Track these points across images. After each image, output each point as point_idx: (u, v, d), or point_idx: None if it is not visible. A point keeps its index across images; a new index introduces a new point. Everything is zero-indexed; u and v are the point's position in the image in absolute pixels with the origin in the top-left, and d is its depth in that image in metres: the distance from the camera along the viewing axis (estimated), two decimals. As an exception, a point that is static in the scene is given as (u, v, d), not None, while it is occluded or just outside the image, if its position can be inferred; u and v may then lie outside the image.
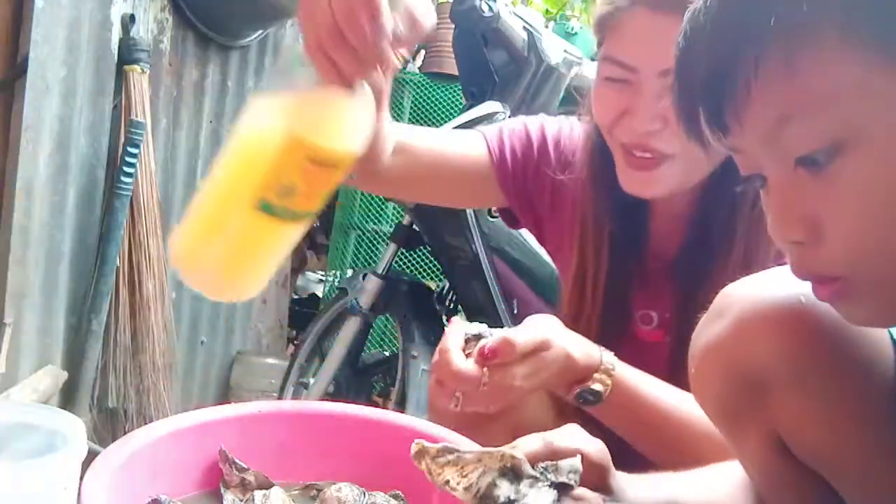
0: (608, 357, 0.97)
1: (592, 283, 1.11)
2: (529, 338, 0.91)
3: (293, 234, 0.77)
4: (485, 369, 0.90)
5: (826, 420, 0.65)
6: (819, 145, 0.55)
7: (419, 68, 3.24)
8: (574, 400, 0.97)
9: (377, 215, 3.01)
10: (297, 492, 0.91)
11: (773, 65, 0.55)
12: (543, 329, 0.94)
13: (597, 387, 0.95)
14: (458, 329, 0.95)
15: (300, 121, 0.71)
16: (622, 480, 0.75)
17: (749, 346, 0.67)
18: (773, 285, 0.68)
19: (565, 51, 1.93)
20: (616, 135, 1.03)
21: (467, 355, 0.91)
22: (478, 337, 0.92)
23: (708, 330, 0.70)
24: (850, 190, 0.56)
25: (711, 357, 0.70)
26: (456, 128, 1.84)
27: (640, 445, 0.98)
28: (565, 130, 1.21)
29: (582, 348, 0.96)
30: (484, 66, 1.95)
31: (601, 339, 1.01)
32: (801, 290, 0.65)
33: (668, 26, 0.94)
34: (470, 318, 2.06)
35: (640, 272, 1.12)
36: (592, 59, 1.90)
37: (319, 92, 0.75)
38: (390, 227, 2.79)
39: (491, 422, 0.98)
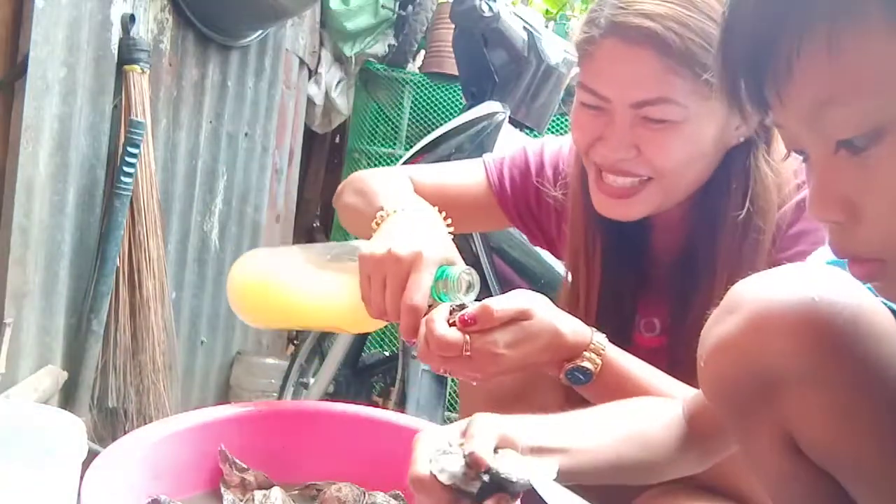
0: (599, 337, 0.98)
1: (585, 293, 1.12)
2: (508, 305, 0.93)
3: None
4: (466, 336, 0.92)
5: (839, 418, 0.65)
6: (859, 130, 0.55)
7: (419, 68, 3.24)
8: (564, 379, 0.98)
9: (377, 215, 3.00)
10: (297, 492, 0.91)
11: (817, 44, 0.55)
12: (525, 300, 0.95)
13: (587, 365, 0.96)
14: (444, 305, 0.97)
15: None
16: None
17: (762, 343, 0.66)
18: (786, 283, 0.67)
19: (565, 51, 1.93)
20: (591, 156, 1.05)
21: (451, 324, 0.93)
22: (461, 307, 0.95)
23: (719, 326, 0.70)
24: (889, 175, 0.56)
25: (722, 353, 0.70)
26: (456, 127, 1.84)
27: None
28: (565, 150, 1.23)
29: (571, 325, 0.96)
30: (484, 66, 1.95)
31: None
32: (814, 288, 0.65)
33: (639, 59, 0.96)
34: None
35: (640, 280, 1.13)
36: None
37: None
38: (390, 227, 2.78)
39: (512, 407, 0.99)
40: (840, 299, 0.64)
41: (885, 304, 0.66)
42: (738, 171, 1.02)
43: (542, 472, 0.71)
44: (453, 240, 1.05)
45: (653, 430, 0.84)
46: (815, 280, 0.66)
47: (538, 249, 1.73)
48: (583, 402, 0.97)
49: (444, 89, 3.03)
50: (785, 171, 1.03)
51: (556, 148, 1.24)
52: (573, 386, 0.98)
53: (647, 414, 0.86)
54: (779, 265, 0.96)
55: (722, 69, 0.62)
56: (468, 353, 0.91)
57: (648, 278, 1.13)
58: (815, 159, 0.60)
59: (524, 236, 1.34)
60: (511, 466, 0.70)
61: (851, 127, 0.56)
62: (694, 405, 0.85)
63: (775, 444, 0.69)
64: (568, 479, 0.74)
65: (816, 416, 0.65)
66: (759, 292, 0.68)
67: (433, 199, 1.16)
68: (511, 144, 1.89)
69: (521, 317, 0.93)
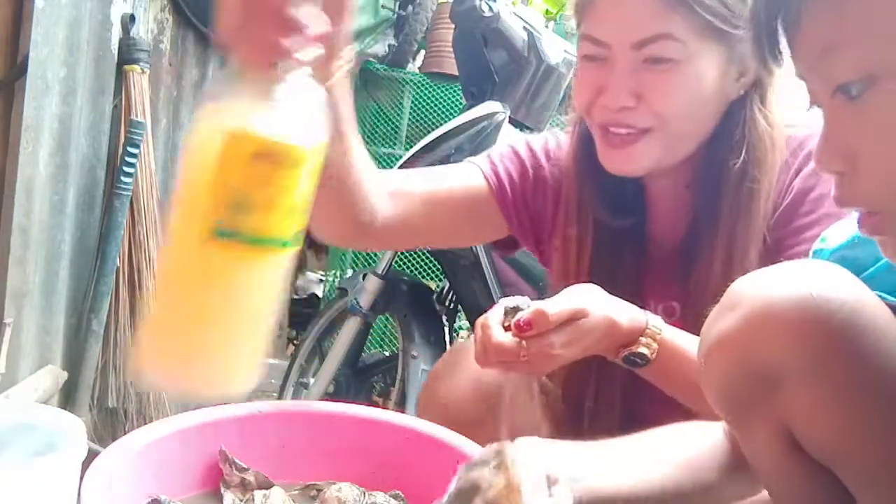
0: (654, 321, 0.99)
1: (575, 272, 1.12)
2: (563, 307, 0.94)
3: (270, 271, 0.65)
4: (522, 341, 0.93)
5: (838, 414, 0.65)
6: (855, 76, 0.57)
7: (419, 68, 3.24)
8: (622, 363, 0.99)
9: (377, 215, 3.00)
10: (297, 492, 0.91)
11: None
12: (579, 298, 0.96)
13: (643, 350, 0.97)
14: (499, 304, 0.98)
15: (230, 116, 0.63)
16: (578, 462, 0.75)
17: (761, 339, 0.67)
18: (785, 280, 0.68)
19: (565, 51, 1.93)
20: (593, 115, 1.05)
21: (506, 328, 0.95)
22: (516, 310, 0.95)
23: (718, 323, 0.71)
24: (882, 123, 0.57)
25: (722, 350, 0.70)
26: (456, 127, 1.84)
27: (690, 405, 0.99)
28: (551, 142, 1.23)
29: (626, 313, 0.98)
30: (484, 66, 1.95)
31: None
32: (812, 285, 0.65)
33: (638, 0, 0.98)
34: (470, 319, 2.07)
35: (642, 263, 1.13)
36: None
37: (247, 83, 0.66)
38: (390, 227, 2.79)
39: (481, 425, 1.01)
40: (838, 295, 0.65)
41: (882, 297, 0.66)
42: (737, 123, 1.03)
43: None
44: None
45: (703, 454, 0.83)
46: (813, 276, 0.67)
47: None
48: (569, 419, 0.97)
49: (444, 89, 3.03)
50: (777, 123, 1.04)
51: (541, 140, 1.24)
52: (631, 369, 1.00)
53: (693, 438, 0.85)
54: (807, 229, 0.98)
55: (751, 24, 0.65)
56: (525, 358, 0.93)
57: (651, 264, 1.13)
58: (823, 110, 0.61)
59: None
60: None
61: (847, 72, 0.58)
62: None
63: (774, 439, 0.69)
64: None
65: (815, 412, 0.66)
66: (758, 289, 0.69)
67: (425, 202, 1.14)
68: (509, 141, 1.90)
69: (576, 316, 0.94)
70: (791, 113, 1.06)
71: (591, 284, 1.00)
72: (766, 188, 1.03)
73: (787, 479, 0.70)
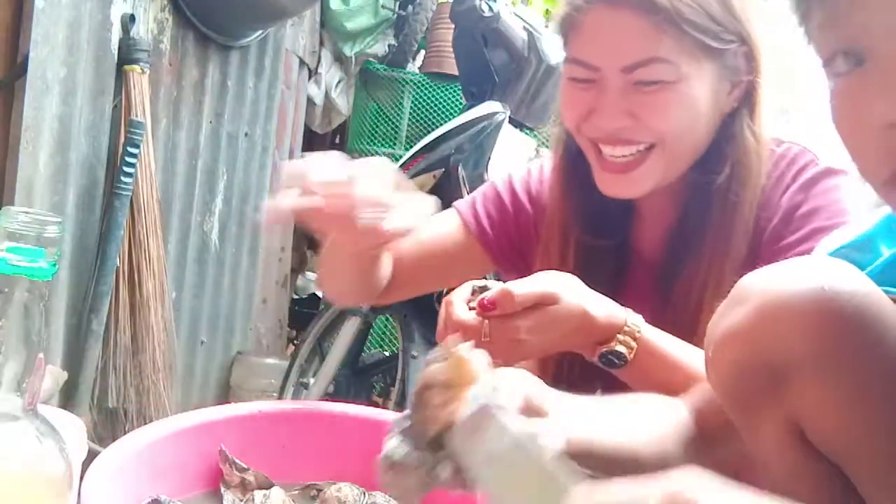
0: (634, 318, 0.94)
1: None
2: (531, 290, 0.89)
3: None
4: (485, 321, 0.89)
5: (848, 407, 0.64)
6: None
7: (419, 68, 3.24)
8: (598, 362, 0.95)
9: (377, 215, 3.00)
10: (297, 492, 0.91)
11: None
12: (551, 283, 0.91)
13: (620, 349, 0.93)
14: (466, 283, 0.95)
15: None
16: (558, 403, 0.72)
17: (771, 332, 0.66)
18: (794, 274, 0.67)
19: (565, 51, 1.93)
20: (584, 132, 1.02)
21: (471, 308, 0.91)
22: (483, 289, 0.92)
23: (727, 317, 0.70)
24: None
25: (731, 343, 0.69)
26: (456, 127, 1.84)
27: None
28: (534, 175, 1.21)
29: (603, 307, 0.93)
30: (484, 66, 1.95)
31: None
32: (822, 278, 0.65)
33: (627, 22, 0.95)
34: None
35: (623, 278, 1.10)
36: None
37: None
38: (390, 227, 2.79)
39: None
40: (848, 288, 0.64)
41: (887, 291, 0.66)
42: (726, 138, 1.02)
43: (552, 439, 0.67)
44: None
45: (666, 431, 0.82)
46: (822, 270, 0.66)
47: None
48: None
49: (444, 89, 3.03)
50: (764, 138, 1.03)
51: (523, 174, 1.22)
52: (607, 369, 0.95)
53: (661, 414, 0.84)
54: (794, 247, 0.96)
55: None
56: (487, 339, 0.88)
57: (632, 277, 1.11)
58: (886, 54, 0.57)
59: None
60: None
61: None
62: (698, 403, 0.85)
63: (783, 434, 0.68)
64: (580, 459, 0.72)
65: (825, 406, 0.65)
66: (767, 283, 0.68)
67: (414, 257, 1.16)
68: (512, 140, 1.90)
69: (546, 301, 0.89)
70: (778, 127, 1.05)
71: (566, 274, 0.95)
72: (749, 204, 1.01)
73: (795, 474, 0.70)
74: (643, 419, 0.82)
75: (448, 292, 0.95)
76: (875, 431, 0.65)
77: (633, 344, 0.93)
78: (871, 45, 0.58)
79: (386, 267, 1.14)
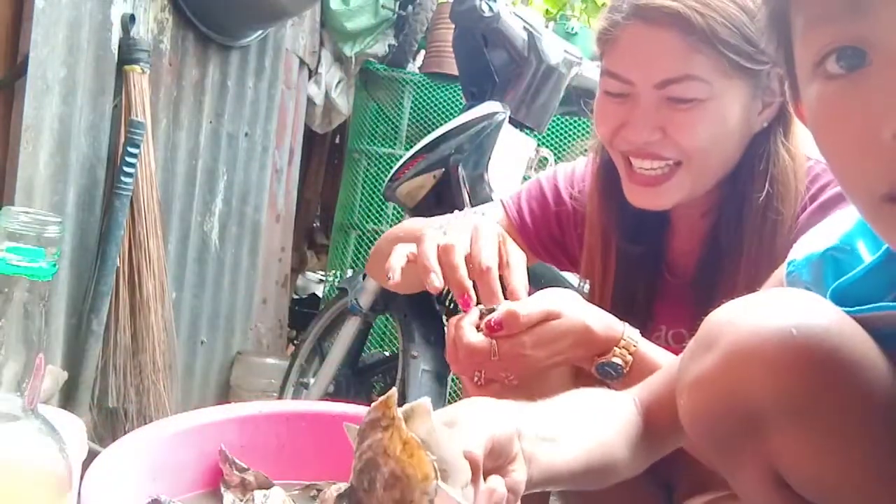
0: (631, 332, 0.98)
1: (599, 294, 1.13)
2: (535, 308, 0.94)
3: None
4: (493, 341, 0.93)
5: (825, 451, 0.62)
6: None
7: (419, 68, 3.24)
8: (596, 373, 0.98)
9: (377, 215, 3.01)
10: (297, 492, 0.91)
11: None
12: (552, 300, 0.96)
13: (616, 360, 0.96)
14: (473, 309, 0.98)
15: None
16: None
17: (741, 381, 0.64)
18: (763, 315, 0.65)
19: (565, 51, 1.93)
20: (616, 145, 1.05)
21: (479, 329, 0.95)
22: (490, 311, 0.95)
23: (695, 364, 0.68)
24: None
25: (701, 391, 0.67)
26: (456, 127, 1.84)
27: None
28: (579, 170, 1.24)
29: (602, 321, 0.97)
30: (484, 66, 1.95)
31: None
32: (791, 318, 0.62)
33: (663, 39, 0.98)
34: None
35: (657, 288, 1.13)
36: (592, 60, 1.90)
37: None
38: (390, 227, 2.79)
39: (511, 395, 0.99)
40: (819, 329, 0.62)
41: (868, 311, 0.64)
42: (760, 156, 1.03)
43: None
44: None
45: (614, 433, 0.81)
46: (792, 310, 0.64)
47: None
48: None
49: (444, 89, 3.03)
50: (799, 156, 1.04)
51: (568, 171, 1.25)
52: (605, 380, 0.98)
53: (608, 415, 0.82)
54: None
55: None
56: (496, 358, 0.93)
57: (667, 288, 1.13)
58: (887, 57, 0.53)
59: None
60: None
61: None
62: (648, 397, 0.84)
63: (763, 479, 0.66)
64: (541, 486, 0.71)
65: (801, 451, 0.63)
66: (734, 325, 0.66)
67: None
68: (512, 140, 1.90)
69: (548, 318, 0.94)
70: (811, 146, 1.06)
71: (567, 290, 1.00)
72: (790, 221, 1.02)
73: None
74: (592, 423, 0.80)
75: (450, 302, 0.97)
76: (855, 474, 0.63)
77: (629, 357, 0.96)
78: (878, 42, 0.53)
79: None
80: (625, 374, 0.96)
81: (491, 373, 0.95)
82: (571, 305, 0.96)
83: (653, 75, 0.99)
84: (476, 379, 0.96)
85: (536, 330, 0.93)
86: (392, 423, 0.57)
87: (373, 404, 0.59)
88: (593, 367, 0.98)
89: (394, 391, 0.59)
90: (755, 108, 1.02)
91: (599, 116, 1.07)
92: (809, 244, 0.75)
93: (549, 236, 1.24)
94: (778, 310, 0.64)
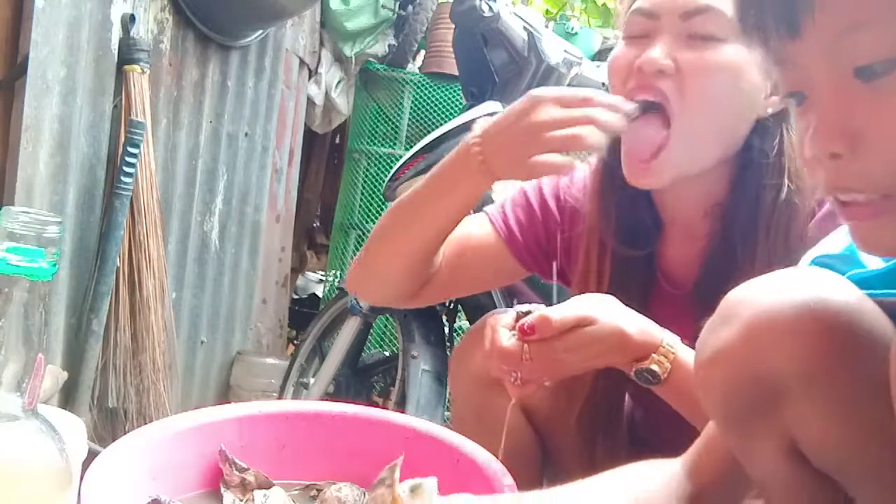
0: (670, 339, 0.98)
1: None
2: (568, 314, 0.94)
3: None
4: (525, 345, 0.94)
5: (841, 422, 0.64)
6: (881, 56, 0.54)
7: (419, 68, 3.24)
8: (635, 378, 0.99)
9: (377, 215, 3.00)
10: (297, 492, 0.91)
11: None
12: (588, 306, 0.97)
13: (654, 367, 0.97)
14: (511, 310, 0.99)
15: None
16: None
17: (760, 352, 0.66)
18: (781, 289, 0.66)
19: (565, 51, 1.93)
20: (627, 86, 1.03)
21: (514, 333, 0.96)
22: (526, 313, 0.96)
23: (715, 337, 0.69)
24: None
25: (720, 364, 0.69)
26: (456, 127, 1.84)
27: (700, 426, 0.98)
28: (563, 181, 1.23)
29: (640, 326, 0.97)
30: (484, 66, 1.95)
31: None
32: (809, 292, 0.64)
33: None
34: (470, 318, 2.07)
35: (652, 296, 1.12)
36: (592, 59, 1.90)
37: None
38: (390, 227, 2.78)
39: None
40: (836, 302, 0.64)
41: (881, 296, 0.65)
42: (772, 147, 1.02)
43: None
44: None
45: (653, 490, 0.81)
46: (810, 284, 0.66)
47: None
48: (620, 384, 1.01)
49: (444, 89, 3.03)
50: None
51: (552, 181, 1.24)
52: (643, 385, 0.99)
53: (646, 479, 0.83)
54: None
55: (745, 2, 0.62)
56: (528, 359, 0.94)
57: (666, 298, 1.12)
58: (825, 92, 0.58)
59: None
60: None
61: (873, 52, 0.54)
62: (695, 455, 0.84)
63: (778, 451, 0.68)
64: None
65: (818, 421, 0.65)
66: (754, 299, 0.67)
67: (447, 261, 1.20)
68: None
69: (583, 323, 0.95)
70: None
71: (607, 295, 1.00)
72: (806, 214, 1.01)
73: (792, 490, 0.69)
74: (616, 495, 0.80)
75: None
76: (870, 444, 0.64)
77: (668, 364, 0.97)
78: (810, 91, 0.59)
79: (432, 268, 1.20)
80: (663, 380, 0.97)
81: (526, 375, 0.97)
82: (608, 311, 0.96)
83: (678, 5, 0.99)
84: (513, 379, 0.97)
85: (569, 335, 0.94)
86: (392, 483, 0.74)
87: (386, 466, 0.75)
88: (632, 371, 0.99)
89: (399, 461, 0.75)
90: (762, 88, 1.00)
91: (614, 66, 1.05)
92: (818, 252, 0.76)
93: (536, 244, 1.23)
94: (798, 285, 0.66)
